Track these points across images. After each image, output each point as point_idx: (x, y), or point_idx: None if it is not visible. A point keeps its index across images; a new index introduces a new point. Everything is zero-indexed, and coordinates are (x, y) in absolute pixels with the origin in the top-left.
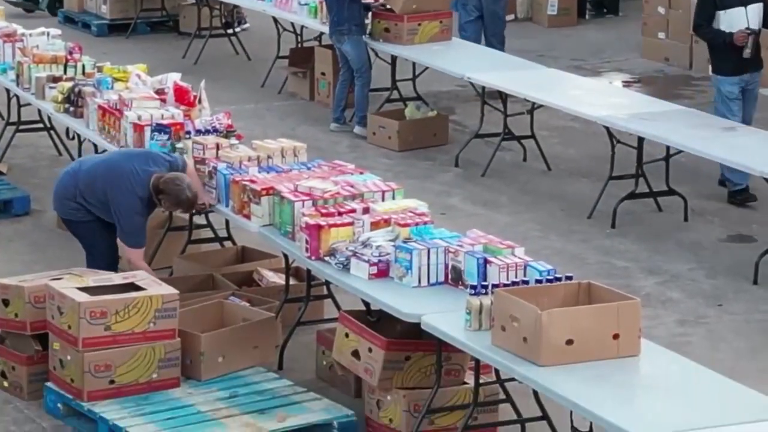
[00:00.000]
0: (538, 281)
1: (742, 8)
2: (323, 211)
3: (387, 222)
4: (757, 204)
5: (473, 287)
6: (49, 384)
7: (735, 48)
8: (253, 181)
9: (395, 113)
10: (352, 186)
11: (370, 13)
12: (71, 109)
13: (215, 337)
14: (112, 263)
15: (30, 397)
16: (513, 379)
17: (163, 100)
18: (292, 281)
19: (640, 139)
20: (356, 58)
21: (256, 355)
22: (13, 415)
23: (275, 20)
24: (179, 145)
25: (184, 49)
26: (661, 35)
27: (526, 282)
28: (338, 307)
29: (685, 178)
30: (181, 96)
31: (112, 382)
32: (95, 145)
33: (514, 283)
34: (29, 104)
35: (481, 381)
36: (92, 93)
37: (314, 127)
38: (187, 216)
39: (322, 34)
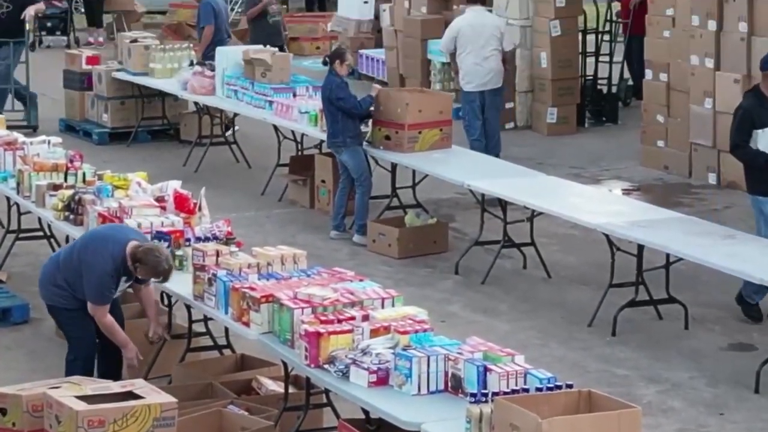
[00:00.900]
0: (539, 389)
1: None
2: (322, 318)
3: (386, 329)
4: None
5: (473, 395)
6: None
7: None
8: (252, 289)
9: (395, 221)
10: (351, 293)
11: (370, 121)
12: (71, 216)
13: None
14: (90, 356)
15: None
16: None
17: (163, 208)
18: (291, 389)
19: (640, 247)
20: (355, 168)
21: None
22: None
23: (276, 128)
24: (179, 252)
25: (184, 157)
26: (660, 143)
27: (526, 390)
28: (337, 416)
29: (685, 286)
30: (181, 203)
31: None
32: None
33: (514, 391)
34: (29, 212)
35: None
36: (92, 201)
37: (314, 235)
38: (185, 323)
39: (322, 141)
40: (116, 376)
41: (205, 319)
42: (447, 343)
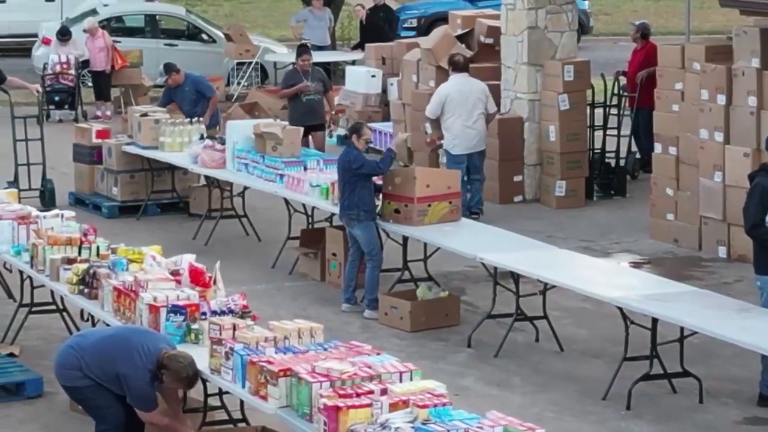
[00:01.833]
0: None
1: None
2: (341, 392)
3: (405, 403)
4: None
5: None
6: None
7: None
8: (270, 362)
9: (407, 294)
10: (369, 367)
11: (380, 195)
12: (86, 290)
13: None
14: (119, 425)
15: None
16: None
17: (178, 282)
18: None
19: (654, 320)
20: (367, 242)
21: None
22: None
23: (286, 201)
24: (194, 326)
25: (194, 230)
26: (670, 216)
27: None
28: None
29: (699, 360)
30: (197, 277)
31: None
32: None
33: None
34: (42, 286)
35: None
36: (107, 274)
37: (325, 308)
38: (200, 396)
39: (333, 215)
40: None
41: (220, 393)
42: (466, 417)
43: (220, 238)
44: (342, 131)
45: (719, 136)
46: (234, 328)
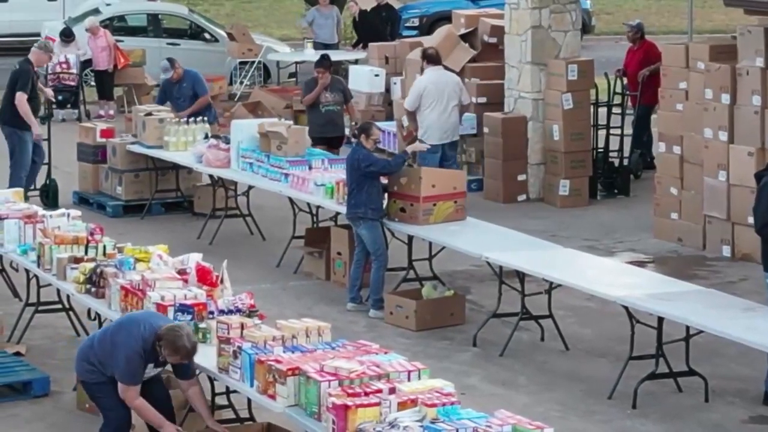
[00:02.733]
0: None
1: None
2: (349, 391)
3: (414, 402)
4: None
5: None
6: None
7: None
8: (278, 361)
9: (412, 293)
10: (377, 366)
11: (386, 194)
12: (93, 289)
13: None
14: (122, 426)
15: None
16: None
17: (185, 281)
18: None
19: (660, 319)
20: (372, 242)
21: None
22: None
23: (291, 201)
24: (202, 325)
25: (198, 229)
26: (674, 216)
27: None
28: None
29: (704, 359)
30: (204, 276)
31: None
32: None
33: None
34: (48, 285)
35: None
36: (114, 274)
37: (330, 307)
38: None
39: (338, 214)
40: None
41: (228, 392)
42: (475, 416)
43: (225, 238)
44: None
45: (723, 136)
46: (242, 327)
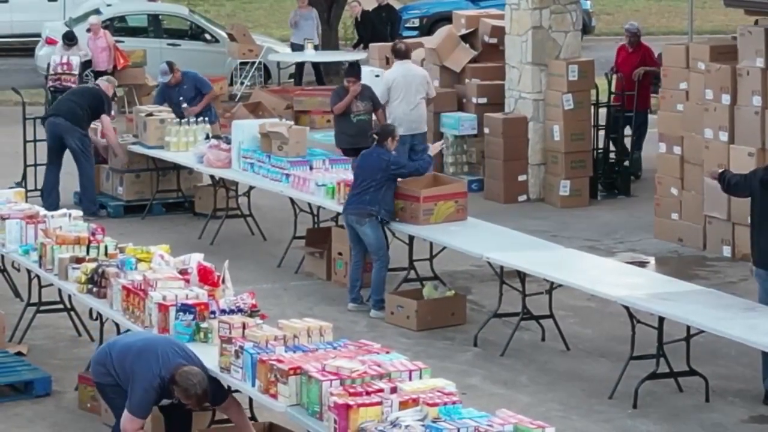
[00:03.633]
0: None
1: None
2: (351, 390)
3: (415, 402)
4: None
5: None
6: None
7: None
8: (280, 361)
9: (413, 293)
10: (379, 365)
11: None
12: (94, 289)
13: None
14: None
15: None
16: None
17: (187, 281)
18: None
19: (661, 319)
20: (374, 241)
21: None
22: None
23: (292, 201)
24: (204, 324)
25: (199, 229)
26: (675, 216)
27: None
28: None
29: (705, 359)
30: (205, 276)
31: None
32: (118, 326)
33: None
34: (50, 285)
35: None
36: (116, 274)
37: (331, 307)
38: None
39: (338, 214)
40: None
41: (230, 391)
42: (476, 415)
43: (226, 238)
44: None
45: (724, 136)
46: (243, 326)
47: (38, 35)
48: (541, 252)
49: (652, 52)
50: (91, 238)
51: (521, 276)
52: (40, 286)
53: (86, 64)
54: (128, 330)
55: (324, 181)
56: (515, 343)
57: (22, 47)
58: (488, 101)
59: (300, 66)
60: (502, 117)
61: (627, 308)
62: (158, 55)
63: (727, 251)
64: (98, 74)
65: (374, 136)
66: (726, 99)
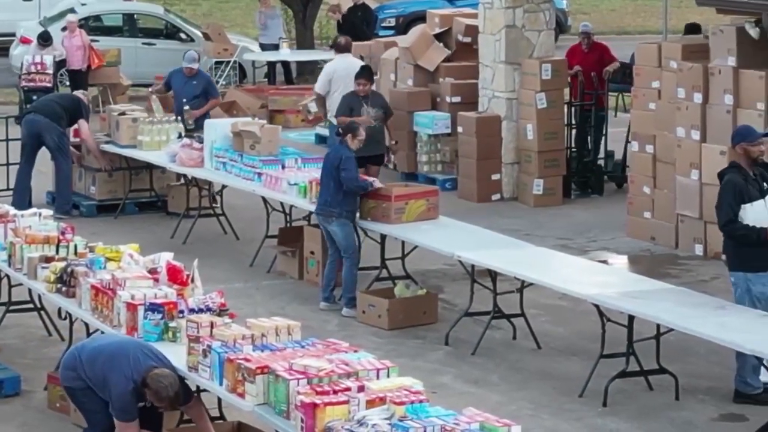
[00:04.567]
0: None
1: (762, 200)
2: (318, 389)
3: (382, 400)
4: None
5: None
6: None
7: (766, 243)
8: (247, 360)
9: (385, 292)
10: (346, 364)
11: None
12: (63, 289)
13: None
14: (108, 429)
15: None
16: None
17: (156, 280)
18: None
19: (631, 318)
20: (343, 240)
21: None
22: None
23: (264, 200)
24: (172, 324)
25: (172, 228)
26: (647, 214)
27: None
28: None
29: (675, 357)
30: (174, 275)
31: None
32: (87, 325)
33: None
34: (20, 284)
35: None
36: (85, 273)
37: (304, 306)
38: None
39: (311, 213)
40: None
41: (198, 391)
42: (443, 413)
43: (199, 237)
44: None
45: (696, 135)
46: (212, 325)
47: (12, 35)
48: (513, 251)
49: (608, 49)
50: (61, 238)
51: (492, 275)
52: (10, 286)
53: (60, 64)
54: (97, 330)
55: (296, 180)
56: (486, 341)
57: None
58: (462, 100)
59: (272, 65)
60: (476, 116)
61: (597, 307)
62: (133, 55)
63: (699, 250)
64: (73, 73)
65: (339, 132)
66: (698, 98)
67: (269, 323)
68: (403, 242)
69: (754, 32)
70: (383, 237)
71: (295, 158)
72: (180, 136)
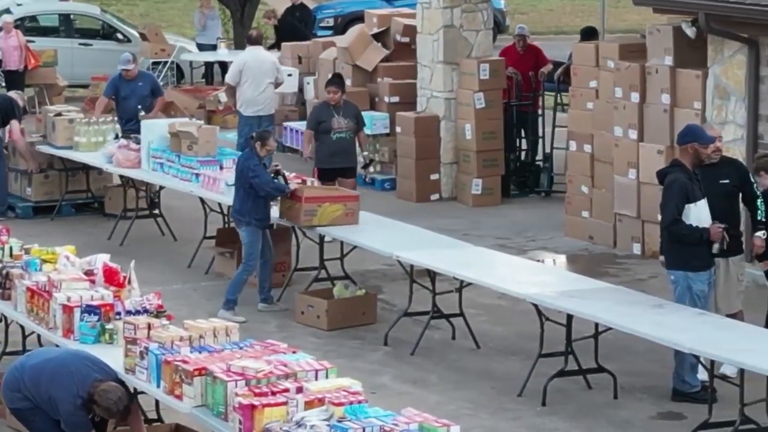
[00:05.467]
0: None
1: (704, 200)
2: (257, 391)
3: (321, 401)
4: None
5: None
6: None
7: (707, 243)
8: (185, 362)
9: (324, 292)
10: (285, 365)
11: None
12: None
13: None
14: None
15: None
16: None
17: (92, 282)
18: None
19: (569, 317)
20: (247, 246)
21: None
22: None
23: (202, 201)
24: (109, 326)
25: (109, 230)
26: (585, 214)
27: None
28: None
29: (614, 356)
30: (111, 277)
31: None
32: (23, 328)
33: None
34: None
35: None
36: (20, 275)
37: (242, 307)
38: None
39: None
40: None
41: (135, 393)
42: (382, 414)
43: (136, 238)
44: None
45: (633, 134)
46: (149, 327)
47: None
48: (452, 251)
49: (542, 52)
50: None
51: (431, 275)
52: None
53: None
54: (33, 333)
55: (234, 180)
56: (425, 341)
57: None
58: (400, 100)
59: (210, 66)
60: (414, 116)
61: (536, 306)
62: (69, 55)
63: (637, 249)
64: (9, 74)
65: (251, 136)
66: (635, 97)
67: (207, 325)
68: (342, 243)
69: (690, 32)
70: (322, 237)
71: (233, 159)
72: (117, 137)
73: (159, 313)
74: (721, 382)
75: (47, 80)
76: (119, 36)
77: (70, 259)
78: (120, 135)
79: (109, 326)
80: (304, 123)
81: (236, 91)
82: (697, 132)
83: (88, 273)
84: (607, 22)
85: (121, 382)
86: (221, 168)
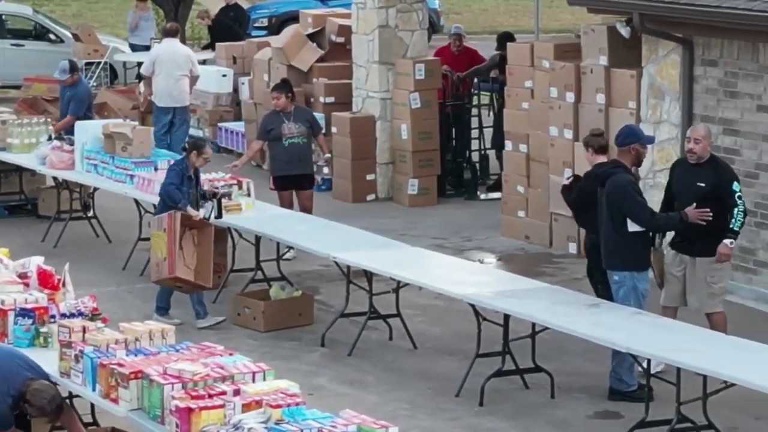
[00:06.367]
0: None
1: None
2: (193, 393)
3: (258, 404)
4: None
5: None
6: None
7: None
8: (120, 365)
9: (260, 294)
10: (222, 368)
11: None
12: None
13: None
14: None
15: None
16: None
17: (26, 284)
18: None
19: (506, 317)
20: None
21: None
22: None
23: (137, 202)
24: (43, 329)
25: (43, 232)
26: (521, 214)
27: None
28: None
29: (551, 355)
30: (45, 280)
31: None
32: None
33: None
34: None
35: None
36: None
37: (177, 309)
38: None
39: None
40: None
41: (70, 396)
42: (320, 416)
43: (70, 240)
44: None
45: (569, 134)
46: (84, 330)
47: None
48: (388, 251)
49: (477, 52)
50: None
51: (368, 275)
52: None
53: None
54: None
55: None
56: (363, 342)
57: None
58: (336, 100)
59: None
60: (350, 116)
61: (473, 306)
62: (1, 56)
63: (572, 248)
64: None
65: (185, 147)
66: (570, 97)
67: (143, 327)
68: (278, 243)
69: (625, 31)
70: (258, 238)
71: (167, 159)
72: (50, 138)
73: (94, 315)
74: (658, 381)
75: None
76: (52, 36)
77: (4, 261)
78: (54, 136)
79: (43, 329)
80: (240, 123)
81: (151, 82)
82: (638, 132)
83: (22, 276)
84: (541, 22)
85: (54, 385)
86: (156, 169)
